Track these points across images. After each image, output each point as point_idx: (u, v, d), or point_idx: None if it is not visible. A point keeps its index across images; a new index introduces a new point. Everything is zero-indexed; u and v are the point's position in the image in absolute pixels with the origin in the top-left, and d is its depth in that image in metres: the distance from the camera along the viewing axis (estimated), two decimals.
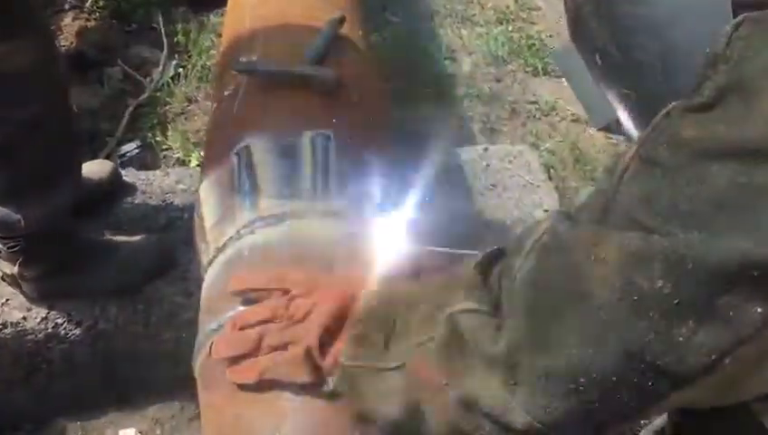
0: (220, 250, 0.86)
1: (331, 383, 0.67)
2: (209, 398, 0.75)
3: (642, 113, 0.62)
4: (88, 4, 2.68)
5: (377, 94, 1.20)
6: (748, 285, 0.42)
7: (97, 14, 2.68)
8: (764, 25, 0.45)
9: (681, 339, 0.45)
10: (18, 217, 1.16)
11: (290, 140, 0.94)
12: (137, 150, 2.08)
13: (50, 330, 1.28)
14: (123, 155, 2.05)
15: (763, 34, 0.45)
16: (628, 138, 0.65)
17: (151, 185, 1.56)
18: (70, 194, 1.22)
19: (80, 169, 1.28)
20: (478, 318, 0.56)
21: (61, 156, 1.20)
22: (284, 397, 0.69)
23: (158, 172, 1.62)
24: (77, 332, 1.29)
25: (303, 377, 0.68)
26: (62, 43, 2.43)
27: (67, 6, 2.65)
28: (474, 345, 0.54)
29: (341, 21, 1.21)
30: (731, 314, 0.43)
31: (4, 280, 1.29)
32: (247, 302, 0.76)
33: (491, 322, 0.55)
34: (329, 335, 0.68)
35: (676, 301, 0.44)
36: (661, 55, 0.58)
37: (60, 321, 1.28)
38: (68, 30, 2.54)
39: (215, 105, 1.19)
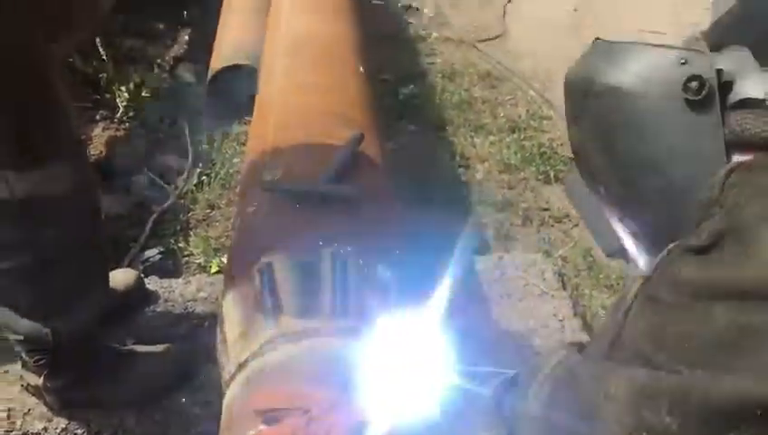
0: (242, 366, 0.89)
1: None
2: None
3: (646, 244, 0.66)
4: (118, 115, 2.82)
5: (393, 209, 1.25)
6: (753, 423, 0.44)
7: (126, 123, 2.81)
8: (754, 173, 0.49)
9: None
10: (46, 331, 1.20)
11: (311, 258, 0.98)
12: (159, 256, 2.14)
13: None
14: (146, 260, 2.10)
15: (753, 182, 0.49)
16: (635, 265, 0.68)
17: (173, 293, 1.60)
18: (97, 307, 1.26)
19: (107, 282, 1.33)
20: None
21: (90, 273, 1.25)
22: None
23: (179, 280, 1.67)
24: None
25: None
26: (92, 153, 2.54)
27: (98, 117, 2.78)
28: None
29: (360, 139, 1.28)
30: None
31: (27, 390, 1.31)
32: (268, 420, 0.77)
33: None
34: None
35: None
36: (661, 191, 0.62)
37: (79, 431, 1.29)
38: (98, 140, 2.66)
39: (238, 220, 1.24)
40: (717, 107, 0.60)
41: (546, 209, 2.33)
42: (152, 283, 1.66)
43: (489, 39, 3.94)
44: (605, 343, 0.53)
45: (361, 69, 1.80)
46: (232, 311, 0.98)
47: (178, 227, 2.23)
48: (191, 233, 2.22)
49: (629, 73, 0.64)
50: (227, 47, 2.97)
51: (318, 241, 1.02)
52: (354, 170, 1.21)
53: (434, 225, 2.09)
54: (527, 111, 3.02)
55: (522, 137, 2.76)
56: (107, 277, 1.33)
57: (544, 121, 2.87)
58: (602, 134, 0.66)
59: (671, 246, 0.53)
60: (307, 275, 0.96)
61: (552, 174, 2.47)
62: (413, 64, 3.63)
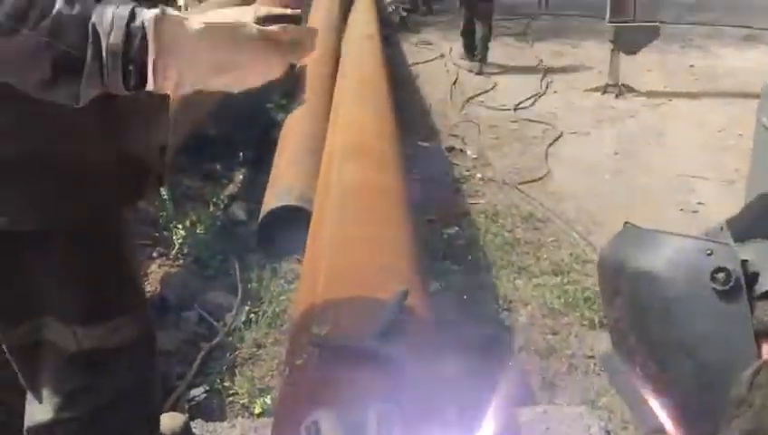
0: None
1: None
2: None
3: (684, 424, 0.68)
4: (174, 252, 2.95)
5: (439, 364, 1.28)
6: None
7: (180, 260, 2.94)
8: None
9: None
10: None
11: (357, 417, 1.01)
12: (204, 395, 2.17)
13: None
14: (191, 399, 2.14)
15: None
16: None
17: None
18: None
19: (158, 426, 1.37)
20: None
21: (143, 418, 1.29)
22: None
23: (224, 424, 1.69)
24: None
25: None
26: (147, 287, 2.65)
27: (155, 254, 2.92)
28: None
29: (406, 295, 1.33)
30: None
31: None
32: None
33: None
34: None
35: None
36: (693, 375, 0.65)
37: None
38: (153, 276, 2.78)
39: (286, 371, 1.28)
40: (745, 298, 0.64)
41: (591, 357, 2.31)
42: (198, 427, 1.69)
43: (531, 181, 4.06)
44: None
45: (406, 217, 1.89)
46: None
47: (224, 366, 2.28)
48: (237, 372, 2.26)
49: (659, 260, 0.68)
50: (280, 187, 3.13)
51: (364, 400, 1.05)
52: (400, 327, 1.26)
53: (477, 372, 2.09)
54: (570, 253, 3.05)
55: (565, 281, 2.78)
56: (158, 422, 1.37)
57: (588, 265, 2.90)
58: (636, 316, 0.70)
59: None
60: (352, 431, 0.99)
61: (596, 320, 2.47)
62: (457, 205, 3.74)
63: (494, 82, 6.38)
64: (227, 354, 2.34)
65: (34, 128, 1.01)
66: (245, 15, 0.94)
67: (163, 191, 3.16)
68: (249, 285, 2.75)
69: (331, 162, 2.28)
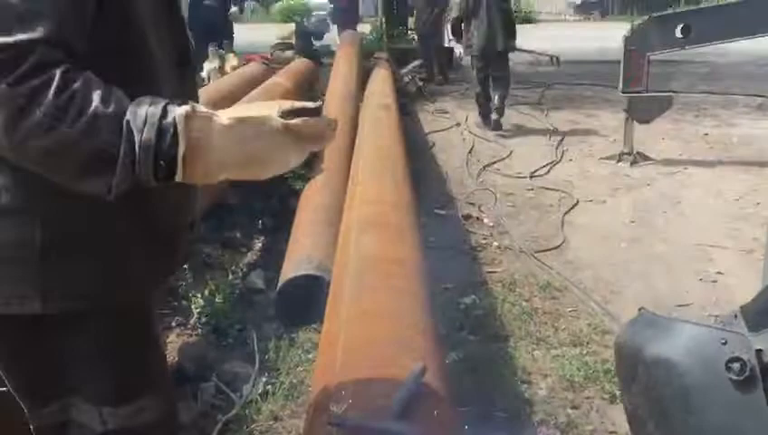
0: None
1: None
2: None
3: None
4: (192, 321, 2.97)
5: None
6: None
7: (199, 329, 2.95)
8: None
9: None
10: None
11: None
12: None
13: None
14: None
15: None
16: None
17: None
18: None
19: None
20: None
21: None
22: None
23: None
24: None
25: None
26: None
27: (174, 324, 2.94)
28: None
29: (423, 372, 1.33)
30: None
31: None
32: None
33: None
34: None
35: None
36: None
37: None
38: (171, 346, 2.79)
39: None
40: (760, 388, 0.64)
41: (613, 432, 2.27)
42: None
43: (548, 249, 4.07)
44: None
45: (423, 289, 1.90)
46: None
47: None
48: None
49: (675, 349, 0.69)
50: (298, 256, 3.15)
51: None
52: (418, 404, 1.26)
53: None
54: (589, 324, 3.03)
55: (584, 352, 2.75)
56: None
57: (607, 336, 2.87)
58: (654, 403, 0.71)
59: None
60: None
61: (617, 393, 2.43)
62: (474, 274, 3.74)
63: (510, 150, 6.45)
64: (244, 427, 2.33)
65: (68, 211, 1.06)
66: (270, 109, 1.00)
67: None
68: (266, 355, 2.75)
69: (349, 233, 2.31)
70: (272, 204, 4.23)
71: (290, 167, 1.05)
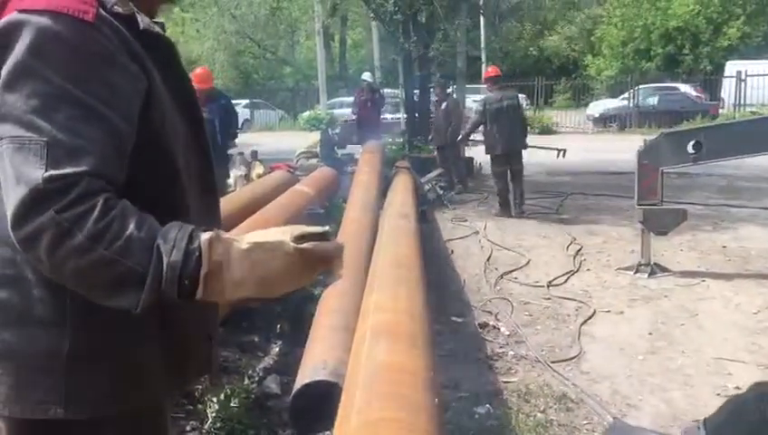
0: None
1: None
2: None
3: None
4: (207, 426, 2.99)
5: None
6: None
7: (213, 434, 2.97)
8: None
9: None
10: None
11: None
12: None
13: None
14: None
15: None
16: None
17: None
18: None
19: None
20: None
21: None
22: None
23: None
24: None
25: None
26: None
27: (188, 428, 2.97)
28: None
29: None
30: None
31: None
32: None
33: None
34: None
35: None
36: None
37: None
38: None
39: None
40: None
41: None
42: None
43: (564, 360, 4.06)
44: None
45: (436, 401, 1.94)
46: None
47: None
48: None
49: None
50: (312, 362, 3.19)
51: None
52: None
53: None
54: None
55: None
56: None
57: None
58: None
59: None
60: None
61: None
62: (489, 383, 3.74)
63: (528, 259, 6.52)
64: None
65: (96, 325, 1.15)
66: (284, 235, 1.12)
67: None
68: None
69: (363, 341, 2.37)
70: (290, 309, 4.30)
71: (300, 286, 1.15)
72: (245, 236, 1.10)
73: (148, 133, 1.16)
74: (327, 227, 1.20)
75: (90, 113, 1.06)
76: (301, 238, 1.11)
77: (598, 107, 25.21)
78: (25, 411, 1.15)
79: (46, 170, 1.01)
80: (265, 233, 1.14)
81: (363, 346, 2.31)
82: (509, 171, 8.63)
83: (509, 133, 8.58)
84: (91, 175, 1.03)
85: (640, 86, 24.26)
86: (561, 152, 9.44)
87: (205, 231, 1.07)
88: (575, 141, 19.50)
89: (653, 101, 23.44)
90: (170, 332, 1.23)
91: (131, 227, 1.02)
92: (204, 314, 1.31)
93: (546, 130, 22.28)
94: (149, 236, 1.03)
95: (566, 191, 10.36)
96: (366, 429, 1.67)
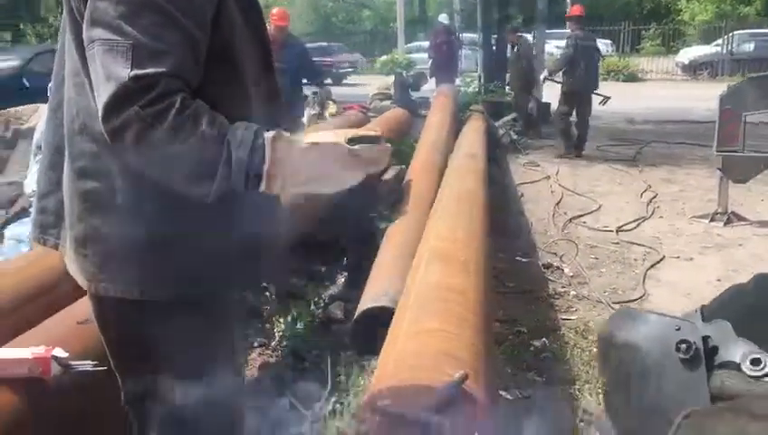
0: None
1: None
2: None
3: None
4: (273, 343, 3.19)
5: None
6: None
7: (279, 352, 3.17)
8: (693, 423, 0.65)
9: None
10: None
11: None
12: None
13: None
14: None
15: (690, 430, 0.65)
16: None
17: None
18: None
19: None
20: None
21: None
22: None
23: None
24: None
25: None
26: (246, 373, 2.88)
27: (256, 344, 3.17)
28: None
29: (464, 378, 1.47)
30: None
31: None
32: None
33: None
34: None
35: None
36: (662, 432, 0.77)
37: None
38: (252, 363, 3.01)
39: None
40: (703, 366, 0.76)
41: None
42: None
43: (627, 301, 4.06)
44: None
45: (482, 318, 2.03)
46: None
47: None
48: None
49: (639, 334, 0.82)
50: (374, 290, 3.33)
51: None
52: (455, 405, 1.39)
53: None
54: None
55: None
56: None
57: None
58: (620, 380, 0.83)
59: None
60: None
61: None
62: (548, 319, 3.80)
63: (600, 205, 6.44)
64: None
65: (169, 215, 1.29)
66: (338, 137, 1.25)
67: (269, 287, 3.46)
68: (338, 378, 2.91)
69: (419, 265, 2.48)
70: (357, 242, 4.45)
71: (350, 184, 1.27)
72: (305, 136, 1.22)
73: (219, 41, 1.27)
74: (379, 132, 1.31)
75: (170, 20, 1.18)
76: (353, 141, 1.23)
77: (688, 54, 24.04)
78: (108, 290, 1.32)
79: (132, 70, 1.14)
80: (322, 135, 1.26)
81: (418, 269, 2.41)
82: (575, 113, 8.96)
83: (587, 74, 8.82)
84: (170, 76, 1.15)
85: (735, 32, 22.92)
86: (605, 99, 9.20)
87: (268, 130, 1.19)
88: (662, 89, 18.79)
89: (749, 47, 22.15)
90: (240, 229, 1.36)
91: (204, 123, 1.15)
92: (268, 220, 1.44)
93: (631, 78, 21.49)
94: (220, 133, 1.16)
95: (646, 139, 10.06)
96: (413, 338, 1.78)
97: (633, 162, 8.59)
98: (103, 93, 1.14)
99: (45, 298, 2.09)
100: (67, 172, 1.33)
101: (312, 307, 3.64)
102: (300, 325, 3.35)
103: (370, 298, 3.27)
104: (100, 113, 1.15)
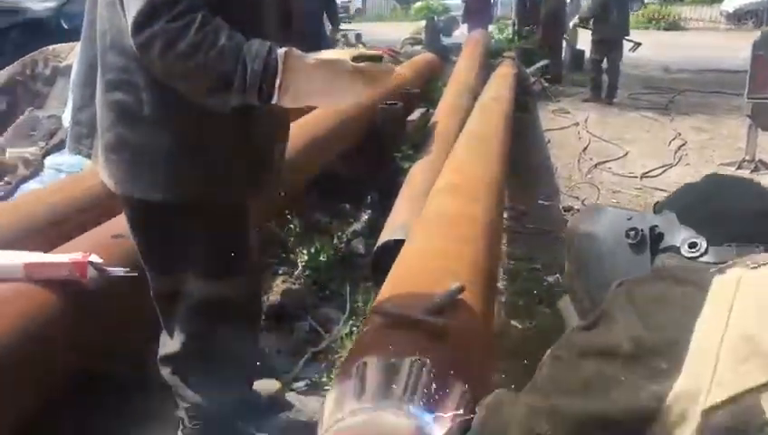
0: (329, 427, 1.19)
1: None
2: None
3: None
4: (296, 272, 3.35)
5: (479, 347, 1.52)
6: (594, 433, 0.68)
7: (302, 280, 3.33)
8: (626, 288, 0.76)
9: None
10: (205, 404, 1.58)
11: (395, 361, 1.28)
12: (305, 388, 2.49)
13: None
14: (294, 390, 2.46)
15: (622, 293, 0.75)
16: None
17: (306, 407, 1.93)
18: (242, 392, 1.62)
19: (252, 380, 1.71)
20: None
21: (245, 360, 1.64)
22: None
23: (315, 398, 1.99)
24: None
25: None
26: (270, 298, 3.04)
27: (280, 272, 3.33)
28: None
29: (461, 289, 1.59)
30: None
31: None
32: None
33: None
34: None
35: None
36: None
37: None
38: (276, 289, 3.18)
39: (357, 339, 1.58)
40: (647, 250, 0.86)
41: None
42: (291, 396, 2.01)
43: None
44: (529, 385, 0.78)
45: (488, 242, 2.14)
46: (333, 392, 1.30)
47: (324, 366, 2.59)
48: (333, 371, 2.56)
49: (597, 225, 0.92)
50: (394, 224, 3.46)
51: (404, 351, 1.32)
52: (450, 311, 1.52)
53: None
54: None
55: None
56: (252, 377, 1.70)
57: None
58: (580, 266, 0.94)
59: (574, 326, 0.79)
60: (389, 371, 1.26)
61: None
62: (563, 257, 3.88)
63: (627, 151, 6.44)
64: (329, 357, 2.66)
65: (191, 125, 1.41)
66: (345, 54, 1.36)
67: (293, 220, 3.61)
68: (356, 305, 3.07)
69: (432, 196, 2.58)
70: (380, 181, 4.56)
71: (355, 100, 1.39)
72: (314, 54, 1.33)
73: None
74: (380, 51, 1.42)
75: None
76: (358, 59, 1.34)
77: (733, 2, 23.23)
78: (135, 192, 1.46)
79: None
80: (330, 52, 1.37)
81: (431, 199, 2.52)
82: (606, 59, 8.88)
83: (619, 20, 8.73)
84: None
85: None
86: (635, 46, 9.04)
87: (280, 47, 1.31)
88: (704, 38, 18.28)
89: None
90: (253, 141, 1.48)
91: (223, 39, 1.26)
92: (277, 131, 1.56)
93: (673, 26, 20.94)
94: (237, 48, 1.27)
95: (681, 88, 9.90)
96: (417, 257, 1.90)
97: (665, 111, 8.50)
98: (132, 9, 1.26)
99: (82, 216, 2.25)
100: (99, 85, 1.45)
101: (335, 241, 3.77)
102: (322, 257, 3.50)
103: (389, 232, 3.40)
104: (129, 29, 1.27)
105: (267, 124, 1.49)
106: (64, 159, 3.32)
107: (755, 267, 0.75)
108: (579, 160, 6.11)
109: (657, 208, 0.91)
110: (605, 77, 8.99)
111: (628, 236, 0.87)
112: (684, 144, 6.71)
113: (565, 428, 0.69)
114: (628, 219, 0.89)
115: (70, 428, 1.68)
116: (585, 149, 6.51)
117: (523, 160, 5.77)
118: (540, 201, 4.97)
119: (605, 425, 0.67)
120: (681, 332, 0.68)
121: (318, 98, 1.36)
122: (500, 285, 3.72)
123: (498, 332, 2.70)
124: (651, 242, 0.87)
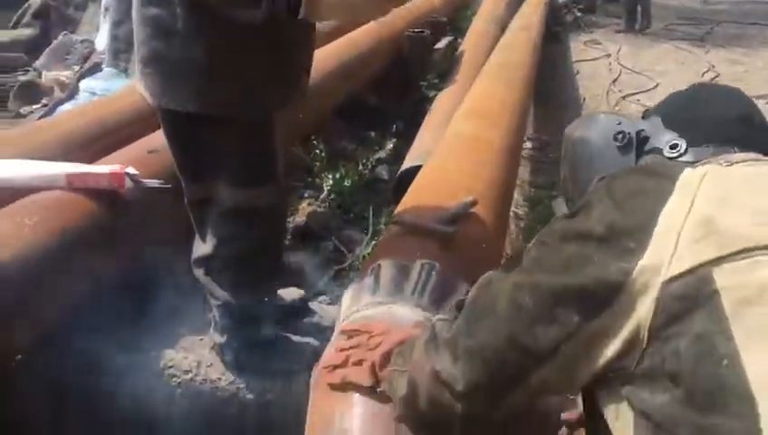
0: (346, 317, 1.31)
1: (383, 387, 1.06)
2: (313, 395, 1.17)
3: None
4: (322, 196, 3.46)
5: (488, 256, 1.63)
6: (570, 302, 0.78)
7: (327, 203, 3.44)
8: (606, 181, 0.85)
9: (538, 331, 0.80)
10: (234, 302, 1.72)
11: (407, 263, 1.40)
12: (329, 302, 2.63)
13: (233, 391, 1.78)
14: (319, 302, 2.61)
15: (602, 186, 0.84)
16: None
17: (327, 313, 2.07)
18: (268, 294, 1.76)
19: (278, 281, 1.84)
20: (445, 323, 0.94)
21: (270, 268, 1.76)
22: (354, 394, 1.09)
23: (334, 306, 2.13)
24: (250, 396, 1.78)
25: (366, 381, 1.07)
26: (296, 219, 3.17)
27: (306, 195, 3.45)
28: (439, 336, 0.91)
29: (474, 203, 1.68)
30: (561, 318, 0.78)
31: (212, 349, 1.83)
32: (348, 337, 1.18)
33: (450, 323, 0.93)
34: (388, 358, 1.08)
35: (535, 310, 0.80)
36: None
37: (241, 385, 1.78)
38: (302, 211, 3.30)
39: (376, 245, 1.69)
40: (633, 151, 0.94)
41: None
42: (314, 306, 2.15)
43: None
44: (516, 264, 0.88)
45: (504, 164, 2.22)
46: (351, 289, 1.42)
47: (346, 281, 2.73)
48: None
49: (590, 130, 1.01)
50: (417, 151, 3.54)
51: (416, 255, 1.43)
52: (463, 222, 1.62)
53: None
54: None
55: None
56: (279, 277, 1.83)
57: None
58: (573, 167, 1.03)
59: (559, 215, 0.89)
60: (401, 271, 1.37)
61: None
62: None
63: (657, 83, 6.37)
64: (351, 274, 2.79)
65: (223, 41, 1.50)
66: None
67: (319, 146, 3.70)
68: (379, 227, 3.18)
69: (454, 121, 2.65)
70: (406, 109, 4.61)
71: (376, 17, 1.46)
72: None
73: None
74: None
75: None
76: None
77: None
78: (170, 103, 1.56)
79: None
80: None
81: (453, 124, 2.59)
82: None
83: None
84: None
85: None
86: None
87: None
88: None
89: None
90: (279, 59, 1.56)
91: None
92: (303, 52, 1.64)
93: None
94: None
95: (719, 19, 9.63)
96: (435, 174, 1.99)
97: (700, 42, 8.30)
98: None
99: (120, 133, 2.38)
100: (134, 0, 1.54)
101: (360, 168, 3.87)
102: (347, 182, 3.60)
103: (412, 159, 3.48)
104: None
105: (294, 44, 1.57)
106: (98, 84, 3.44)
107: (729, 165, 0.83)
108: (607, 92, 6.06)
109: (645, 115, 0.98)
110: (639, 7, 8.79)
111: (616, 139, 0.95)
112: (717, 76, 6.60)
113: (544, 298, 0.79)
114: (618, 124, 0.97)
115: (109, 325, 1.84)
116: (615, 80, 6.45)
117: (551, 92, 5.75)
118: (565, 132, 4.98)
119: (580, 296, 0.77)
120: (649, 217, 0.76)
121: (342, 13, 1.44)
122: (521, 211, 3.82)
123: (514, 253, 2.80)
124: (637, 144, 0.95)
